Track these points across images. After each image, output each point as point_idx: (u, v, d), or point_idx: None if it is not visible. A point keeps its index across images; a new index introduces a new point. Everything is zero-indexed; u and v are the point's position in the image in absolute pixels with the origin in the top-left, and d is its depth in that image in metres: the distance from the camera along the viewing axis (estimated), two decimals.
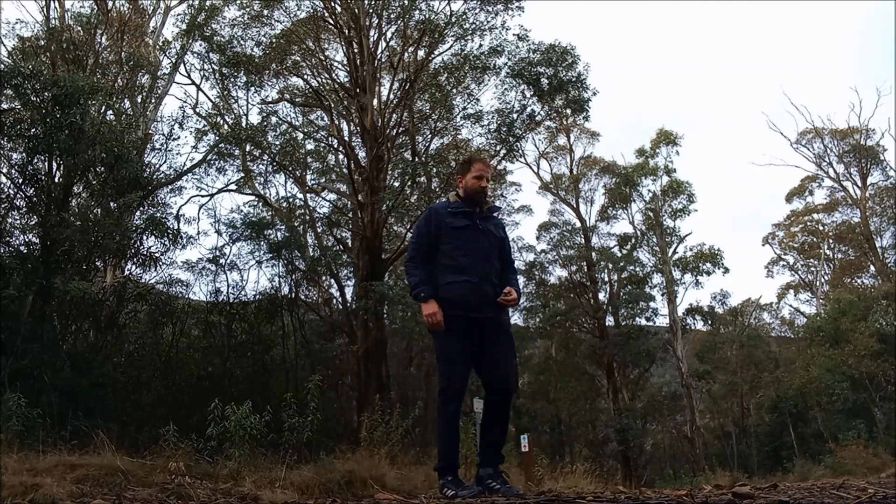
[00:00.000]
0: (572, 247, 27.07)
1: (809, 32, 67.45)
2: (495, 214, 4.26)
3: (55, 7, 15.61)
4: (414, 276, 3.92)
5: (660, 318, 25.89)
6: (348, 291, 18.23)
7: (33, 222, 11.62)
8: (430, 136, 18.60)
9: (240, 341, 15.86)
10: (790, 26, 64.54)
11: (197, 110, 17.76)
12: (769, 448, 24.96)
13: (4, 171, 11.61)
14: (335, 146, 18.98)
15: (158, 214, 13.42)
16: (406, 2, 16.04)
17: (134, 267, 14.05)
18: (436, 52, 17.20)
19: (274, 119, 17.92)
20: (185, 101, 18.89)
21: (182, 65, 17.70)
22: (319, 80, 17.98)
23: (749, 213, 62.49)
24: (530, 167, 27.73)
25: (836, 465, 16.48)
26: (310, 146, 19.04)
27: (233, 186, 18.48)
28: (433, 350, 4.31)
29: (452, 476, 3.88)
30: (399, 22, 17.10)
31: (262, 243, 16.73)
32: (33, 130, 10.94)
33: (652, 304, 25.58)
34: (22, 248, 11.56)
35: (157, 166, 15.17)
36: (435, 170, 17.27)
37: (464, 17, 16.32)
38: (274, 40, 17.28)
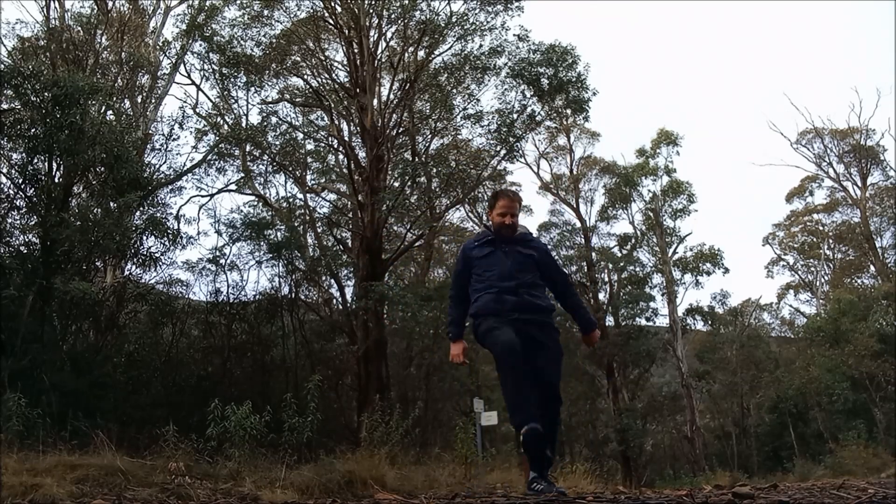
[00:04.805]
0: (572, 247, 27.07)
1: (810, 33, 67.47)
2: (529, 240, 4.32)
3: (55, 7, 15.62)
4: (449, 315, 4.40)
5: (660, 318, 25.90)
6: (348, 291, 18.24)
7: (33, 222, 11.61)
8: (430, 137, 18.59)
9: (240, 341, 15.85)
10: (790, 26, 64.57)
11: (197, 110, 17.77)
12: (769, 448, 24.93)
13: (4, 171, 11.63)
14: (335, 146, 18.98)
15: (158, 214, 13.42)
16: (406, 2, 16.03)
17: (134, 267, 14.04)
18: (436, 53, 17.20)
19: (274, 119, 17.93)
20: (185, 102, 18.92)
21: (182, 65, 17.69)
22: (319, 80, 17.98)
23: (749, 213, 62.50)
24: (530, 167, 27.72)
25: (836, 466, 16.47)
26: (310, 146, 19.05)
27: (233, 186, 18.49)
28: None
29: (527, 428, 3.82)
30: (399, 22, 17.09)
31: (262, 243, 16.73)
32: (33, 130, 10.94)
33: (652, 305, 25.59)
34: (22, 248, 11.56)
35: (157, 166, 15.19)
36: (435, 170, 17.26)
37: (464, 17, 16.32)
38: (274, 40, 17.27)
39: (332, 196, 20.04)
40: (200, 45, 16.99)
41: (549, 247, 27.78)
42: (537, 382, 3.95)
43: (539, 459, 3.83)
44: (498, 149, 17.21)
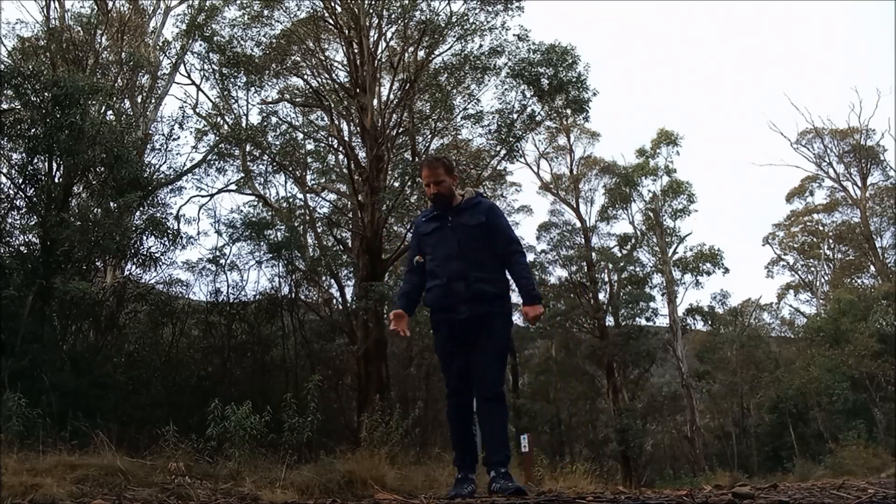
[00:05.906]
0: (572, 247, 27.08)
1: (810, 33, 67.49)
2: (476, 203, 4.00)
3: (55, 7, 15.62)
4: (401, 287, 4.31)
5: (660, 318, 25.93)
6: (348, 291, 18.23)
7: (33, 222, 11.59)
8: (430, 137, 18.58)
9: (240, 341, 15.83)
10: (790, 26, 64.59)
11: (197, 110, 17.75)
12: (769, 448, 24.94)
13: (4, 171, 11.63)
14: (335, 146, 18.97)
15: (158, 214, 13.41)
16: (406, 2, 16.03)
17: (134, 267, 14.02)
18: (436, 53, 17.20)
19: (274, 119, 17.91)
20: (185, 102, 18.89)
21: (182, 65, 17.67)
22: (319, 80, 17.97)
23: (749, 213, 62.55)
24: (530, 167, 27.76)
25: (836, 466, 16.48)
26: (310, 146, 19.03)
27: (233, 186, 18.46)
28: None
29: (460, 474, 3.87)
30: (399, 22, 17.09)
31: (262, 243, 16.71)
32: (33, 130, 10.94)
33: (652, 305, 25.62)
34: (22, 248, 11.54)
35: (157, 166, 15.17)
36: None
37: (464, 17, 16.32)
38: (274, 40, 17.27)
39: (332, 196, 20.04)
40: (200, 45, 16.98)
41: (549, 247, 27.68)
42: (474, 378, 3.83)
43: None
44: (498, 149, 17.22)
